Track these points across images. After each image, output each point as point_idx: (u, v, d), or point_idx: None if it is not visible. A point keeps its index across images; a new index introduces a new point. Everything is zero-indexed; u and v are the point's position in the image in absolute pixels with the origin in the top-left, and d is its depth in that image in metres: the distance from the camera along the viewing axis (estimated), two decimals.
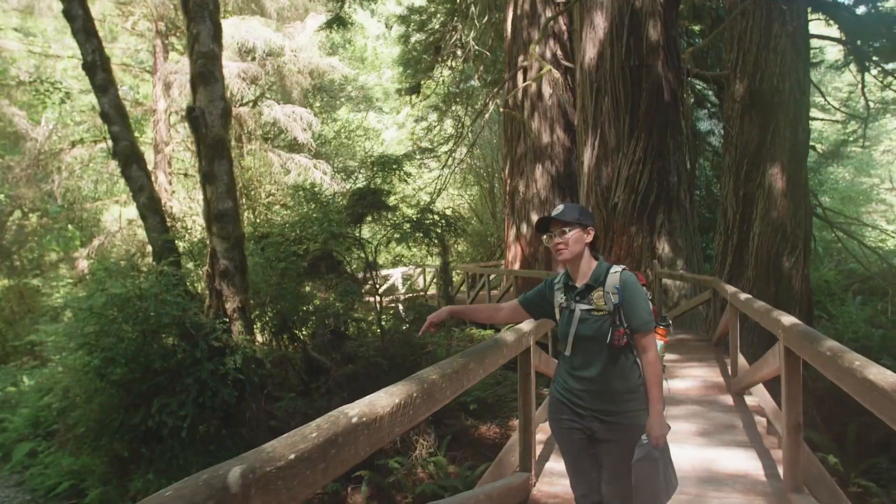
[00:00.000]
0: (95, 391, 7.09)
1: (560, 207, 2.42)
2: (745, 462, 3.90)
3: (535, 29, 15.39)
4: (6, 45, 15.91)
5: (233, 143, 19.75)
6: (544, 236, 2.46)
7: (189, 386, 6.88)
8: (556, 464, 3.92)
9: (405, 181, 10.58)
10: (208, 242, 7.64)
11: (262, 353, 7.99)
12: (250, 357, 7.47)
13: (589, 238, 2.42)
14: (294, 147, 19.28)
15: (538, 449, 4.00)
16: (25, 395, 12.84)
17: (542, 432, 4.52)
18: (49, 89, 14.41)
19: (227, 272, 7.32)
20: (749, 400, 5.24)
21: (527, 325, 3.31)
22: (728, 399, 5.42)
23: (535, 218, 16.31)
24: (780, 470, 3.53)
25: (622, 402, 2.32)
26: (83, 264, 17.77)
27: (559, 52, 16.28)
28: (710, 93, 16.95)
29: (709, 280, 8.26)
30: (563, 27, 16.42)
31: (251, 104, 18.64)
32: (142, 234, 13.58)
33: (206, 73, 7.00)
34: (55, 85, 14.84)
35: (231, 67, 15.70)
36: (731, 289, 5.94)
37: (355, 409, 1.42)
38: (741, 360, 5.83)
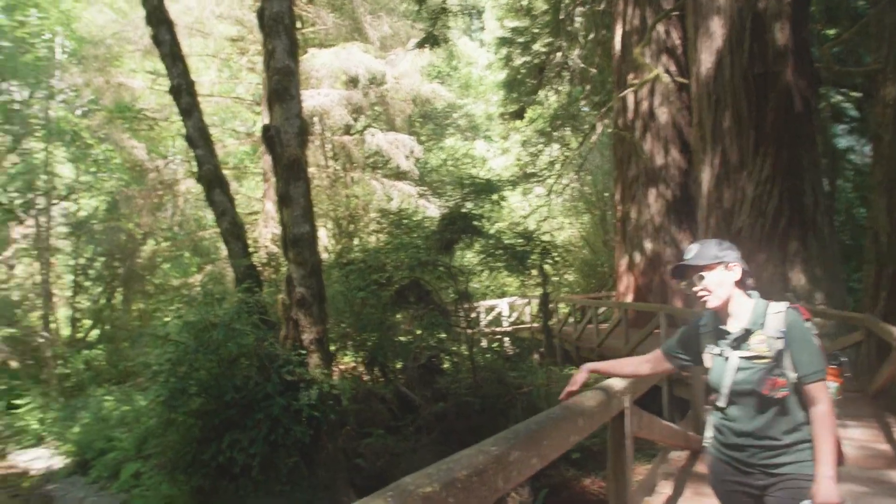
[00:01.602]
0: (169, 422, 6.82)
1: (693, 249, 2.17)
2: None
3: (643, 48, 14.34)
4: (133, 83, 16.85)
5: (340, 171, 19.96)
6: (682, 283, 2.20)
7: (260, 422, 6.44)
8: None
9: (499, 205, 9.88)
10: (286, 269, 7.25)
11: (342, 388, 7.44)
12: (327, 393, 6.94)
13: (735, 275, 2.11)
14: (399, 175, 19.13)
15: None
16: (140, 414, 13.20)
17: None
18: (137, 118, 15.28)
19: (303, 301, 6.87)
20: None
21: (619, 382, 2.45)
22: None
23: (648, 246, 15.14)
24: None
25: (794, 453, 2.02)
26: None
27: (673, 68, 15.11)
28: (849, 105, 15.05)
29: (859, 318, 6.86)
30: (677, 42, 15.26)
31: (359, 133, 18.70)
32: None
33: (280, 89, 6.69)
34: (141, 113, 15.62)
35: (333, 95, 15.72)
36: None
37: None
38: None
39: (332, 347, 8.07)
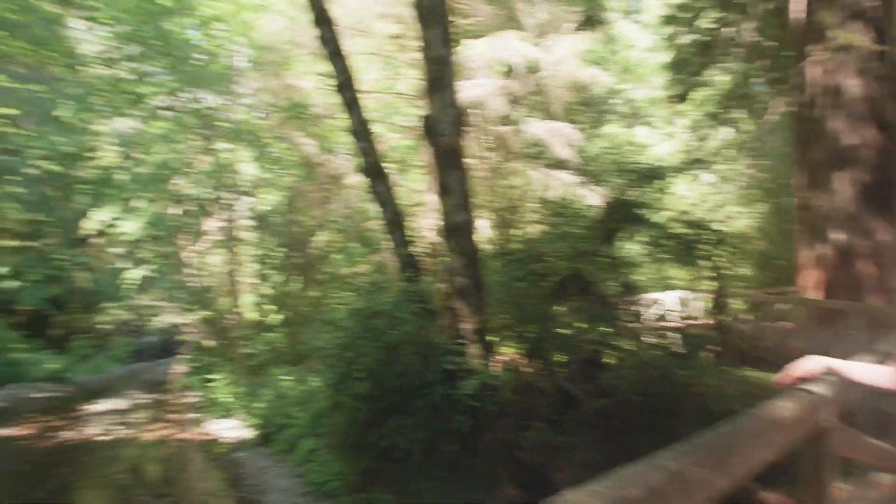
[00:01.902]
0: (337, 404, 7.18)
1: None
2: None
3: (831, 12, 12.80)
4: (302, 84, 18.06)
5: (499, 161, 20.02)
6: None
7: (421, 409, 6.59)
8: None
9: (664, 193, 9.37)
10: (446, 258, 7.35)
11: (502, 379, 7.41)
12: (486, 383, 6.94)
13: None
14: (558, 164, 18.80)
15: None
16: (312, 395, 14.14)
17: None
18: (300, 114, 16.38)
19: (462, 290, 6.93)
20: None
21: (824, 389, 2.10)
22: None
23: (837, 237, 13.51)
24: None
25: None
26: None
27: (866, 35, 13.37)
28: None
29: None
30: (870, 4, 13.47)
31: (516, 123, 18.62)
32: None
33: (436, 79, 6.80)
34: (310, 111, 16.70)
35: (488, 85, 15.75)
36: None
37: None
38: None
39: (492, 338, 8.07)
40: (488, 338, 7.81)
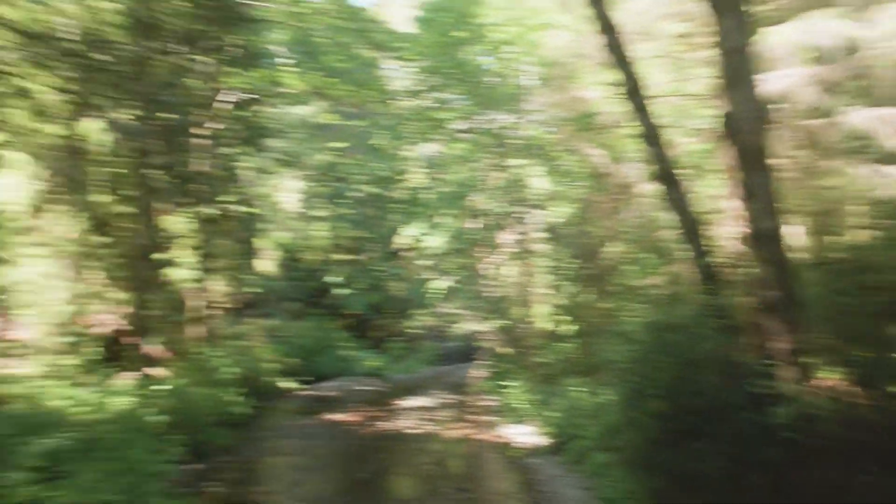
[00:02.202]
0: (629, 420, 6.94)
1: None
2: None
3: None
4: (588, 95, 18.02)
5: (812, 160, 17.65)
6: None
7: (723, 434, 6.04)
8: None
9: None
10: (752, 269, 6.65)
11: (824, 409, 6.45)
12: (804, 412, 6.10)
13: None
14: (889, 158, 15.95)
15: None
16: (602, 408, 13.97)
17: None
18: (588, 125, 16.21)
19: (772, 305, 6.20)
20: None
21: None
22: None
23: None
24: None
25: None
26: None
27: None
28: None
29: None
30: None
31: (831, 115, 16.31)
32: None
33: (733, 72, 6.23)
34: (592, 119, 16.47)
35: (795, 75, 13.96)
36: None
37: None
38: None
39: (809, 360, 7.08)
40: (804, 360, 6.87)
